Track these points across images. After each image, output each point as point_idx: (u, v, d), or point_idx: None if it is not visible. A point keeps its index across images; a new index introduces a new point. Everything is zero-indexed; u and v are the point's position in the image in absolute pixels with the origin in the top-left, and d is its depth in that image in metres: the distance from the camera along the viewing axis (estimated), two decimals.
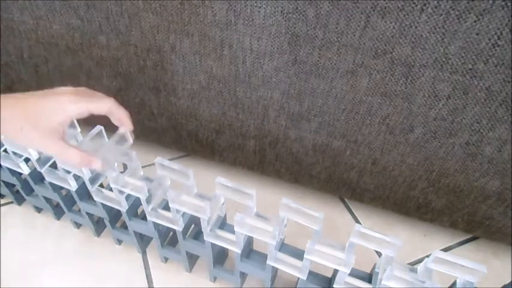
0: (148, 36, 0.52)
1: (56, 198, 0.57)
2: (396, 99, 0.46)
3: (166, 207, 0.48)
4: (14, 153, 0.52)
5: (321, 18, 0.42)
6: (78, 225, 0.63)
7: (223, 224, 0.50)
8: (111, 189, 0.50)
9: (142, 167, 0.51)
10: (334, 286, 0.44)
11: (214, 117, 0.59)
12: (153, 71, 0.57)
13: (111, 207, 0.53)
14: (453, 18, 0.37)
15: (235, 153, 0.64)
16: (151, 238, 0.56)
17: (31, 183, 0.57)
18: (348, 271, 0.41)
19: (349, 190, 0.62)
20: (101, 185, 0.55)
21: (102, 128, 0.48)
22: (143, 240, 0.59)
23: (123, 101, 0.62)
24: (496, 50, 0.38)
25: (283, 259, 0.46)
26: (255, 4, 0.44)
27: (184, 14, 0.48)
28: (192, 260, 0.56)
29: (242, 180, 0.73)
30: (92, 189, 0.50)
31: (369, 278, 0.46)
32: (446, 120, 0.45)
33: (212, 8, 0.46)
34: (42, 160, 0.52)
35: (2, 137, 0.46)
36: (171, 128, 0.65)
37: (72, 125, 0.49)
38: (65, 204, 0.58)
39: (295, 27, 0.44)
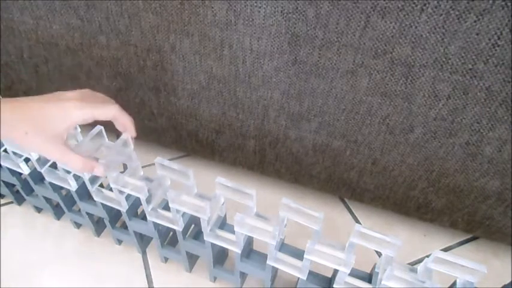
0: (148, 36, 0.52)
1: (56, 198, 0.57)
2: (396, 99, 0.46)
3: (166, 207, 0.48)
4: (14, 153, 0.52)
5: (321, 18, 0.42)
6: (78, 225, 0.63)
7: (223, 224, 0.50)
8: (111, 189, 0.50)
9: (143, 167, 0.51)
10: (334, 286, 0.44)
11: (214, 117, 0.59)
12: (153, 71, 0.57)
13: (111, 207, 0.53)
14: (453, 18, 0.37)
15: (235, 153, 0.64)
16: (151, 238, 0.56)
17: (31, 183, 0.57)
18: (348, 271, 0.41)
19: (349, 190, 0.62)
20: (101, 185, 0.55)
21: (102, 128, 0.48)
22: (143, 240, 0.59)
23: (123, 101, 0.63)
24: (496, 50, 0.38)
25: (283, 259, 0.46)
26: (255, 4, 0.44)
27: (184, 14, 0.48)
28: (192, 260, 0.56)
29: (242, 180, 0.73)
30: (92, 189, 0.50)
31: (369, 278, 0.46)
32: (446, 120, 0.45)
33: (212, 8, 0.46)
34: (42, 160, 0.52)
35: (4, 139, 0.46)
36: (171, 128, 0.65)
37: None
38: (65, 204, 0.58)
39: (295, 27, 0.44)
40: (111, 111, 0.43)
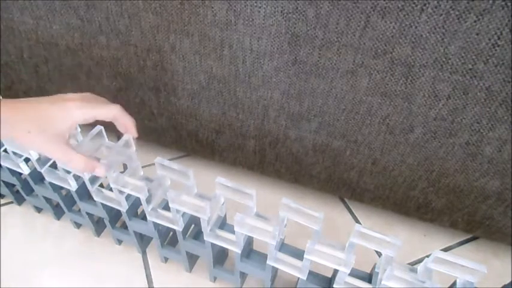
0: (148, 36, 0.52)
1: (56, 198, 0.57)
2: (396, 99, 0.46)
3: (166, 207, 0.48)
4: (14, 153, 0.52)
5: (321, 18, 0.42)
6: (78, 225, 0.63)
7: (223, 224, 0.50)
8: (111, 189, 0.50)
9: (143, 167, 0.51)
10: (334, 286, 0.44)
11: (214, 117, 0.59)
12: (153, 71, 0.57)
13: (111, 207, 0.53)
14: (453, 18, 0.37)
15: (235, 153, 0.64)
16: (151, 238, 0.56)
17: (31, 183, 0.57)
18: (348, 271, 0.41)
19: (349, 190, 0.62)
20: (101, 185, 0.55)
21: (102, 128, 0.48)
22: (143, 240, 0.59)
23: (123, 101, 0.63)
24: (496, 50, 0.38)
25: (283, 259, 0.46)
26: (255, 4, 0.44)
27: (184, 14, 0.48)
28: (192, 260, 0.56)
29: (242, 180, 0.73)
30: (92, 189, 0.50)
31: (369, 278, 0.46)
32: (446, 120, 0.45)
33: (212, 8, 0.46)
34: (42, 160, 0.52)
35: (5, 139, 0.46)
36: (171, 128, 0.65)
37: None
38: (65, 204, 0.58)
39: (295, 27, 0.44)
40: (112, 111, 0.43)
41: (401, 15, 0.39)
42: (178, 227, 0.48)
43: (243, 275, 0.54)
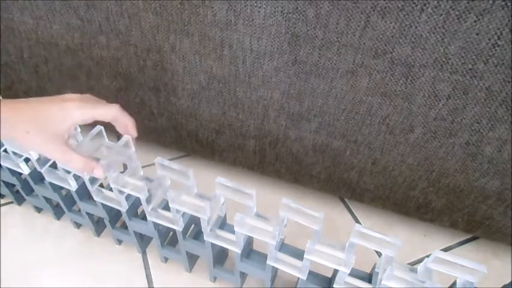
0: (148, 36, 0.52)
1: (56, 198, 0.57)
2: (396, 99, 0.46)
3: (166, 207, 0.48)
4: (14, 153, 0.52)
5: (321, 18, 0.42)
6: (78, 225, 0.63)
7: (223, 224, 0.50)
8: (111, 189, 0.50)
9: (143, 167, 0.51)
10: (334, 286, 0.44)
11: (214, 117, 0.59)
12: (153, 71, 0.57)
13: (111, 207, 0.53)
14: (453, 18, 0.37)
15: (235, 153, 0.64)
16: (151, 238, 0.56)
17: (31, 183, 0.57)
18: (348, 271, 0.41)
19: (349, 190, 0.62)
20: (101, 185, 0.55)
21: (102, 128, 0.48)
22: (143, 240, 0.59)
23: (123, 101, 0.63)
24: (496, 50, 0.38)
25: (283, 259, 0.46)
26: (255, 4, 0.44)
27: (184, 14, 0.48)
28: (192, 260, 0.56)
29: (242, 180, 0.73)
30: (92, 189, 0.50)
31: (369, 278, 0.46)
32: (446, 120, 0.45)
33: (212, 8, 0.46)
34: (42, 160, 0.52)
35: (5, 139, 0.46)
36: (171, 128, 0.65)
37: None
38: (65, 204, 0.58)
39: (295, 27, 0.44)
40: (111, 111, 0.43)
41: (401, 15, 0.39)
42: (178, 227, 0.48)
43: (243, 275, 0.54)
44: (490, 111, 0.43)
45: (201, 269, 0.58)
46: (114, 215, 0.56)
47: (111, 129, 0.48)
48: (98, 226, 0.61)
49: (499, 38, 0.37)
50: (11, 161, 0.54)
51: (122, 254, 0.60)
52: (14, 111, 0.39)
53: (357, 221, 0.67)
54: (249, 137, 0.60)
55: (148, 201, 0.47)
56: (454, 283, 0.41)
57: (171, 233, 0.57)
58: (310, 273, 0.46)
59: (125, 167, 0.49)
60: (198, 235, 0.53)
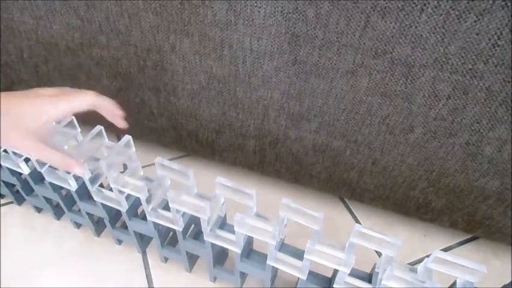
0: (148, 36, 0.52)
1: (56, 198, 0.57)
2: (396, 99, 0.46)
3: (166, 207, 0.48)
4: (14, 153, 0.52)
5: (321, 18, 0.42)
6: (78, 225, 0.63)
7: (223, 224, 0.50)
8: (111, 189, 0.50)
9: (143, 167, 0.51)
10: (334, 286, 0.44)
11: (214, 117, 0.59)
12: (153, 71, 0.57)
13: (111, 207, 0.53)
14: (453, 18, 0.37)
15: (235, 153, 0.64)
16: (151, 238, 0.56)
17: (31, 183, 0.57)
18: (348, 271, 0.41)
19: (349, 190, 0.62)
20: (101, 185, 0.55)
21: (102, 128, 0.48)
22: (143, 240, 0.59)
23: (123, 101, 0.63)
24: (496, 50, 0.38)
25: (283, 259, 0.46)
26: (255, 4, 0.44)
27: (184, 14, 0.48)
28: (192, 260, 0.56)
29: (242, 180, 0.73)
30: (92, 189, 0.50)
31: (369, 278, 0.46)
32: (446, 120, 0.45)
33: (212, 8, 0.46)
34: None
35: None
36: (171, 128, 0.65)
37: (72, 125, 0.49)
38: (65, 204, 0.58)
39: (295, 27, 0.44)
40: (87, 99, 0.41)
41: (401, 15, 0.39)
42: (178, 227, 0.48)
43: (243, 275, 0.54)
44: (490, 111, 0.43)
45: (201, 269, 0.58)
46: (114, 215, 0.56)
47: (111, 129, 0.48)
48: (98, 226, 0.61)
49: (499, 38, 0.37)
50: (11, 161, 0.54)
51: (122, 254, 0.60)
52: None
53: (357, 221, 0.67)
54: (249, 137, 0.60)
55: (148, 201, 0.47)
56: (454, 283, 0.41)
57: (171, 233, 0.57)
58: (310, 273, 0.46)
59: (125, 167, 0.49)
60: (198, 235, 0.53)
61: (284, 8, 0.43)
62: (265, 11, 0.44)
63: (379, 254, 0.61)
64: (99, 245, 0.61)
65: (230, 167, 0.70)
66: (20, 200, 0.65)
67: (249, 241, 0.49)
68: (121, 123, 0.46)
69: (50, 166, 0.52)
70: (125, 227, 0.56)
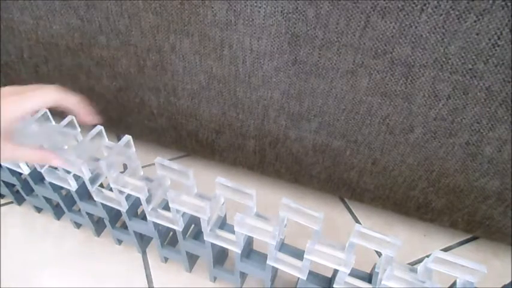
0: (148, 36, 0.52)
1: (56, 198, 0.57)
2: (396, 99, 0.46)
3: (166, 207, 0.48)
4: None
5: (321, 18, 0.42)
6: (78, 225, 0.63)
7: (223, 224, 0.50)
8: (111, 189, 0.50)
9: (143, 167, 0.51)
10: (334, 286, 0.44)
11: (214, 117, 0.59)
12: (153, 71, 0.57)
13: (111, 207, 0.53)
14: (453, 18, 0.37)
15: (235, 153, 0.64)
16: (151, 238, 0.56)
17: (31, 183, 0.57)
18: (348, 271, 0.41)
19: (349, 190, 0.62)
20: (101, 185, 0.55)
21: (102, 128, 0.48)
22: (143, 240, 0.59)
23: (123, 101, 0.63)
24: (496, 50, 0.38)
25: (283, 259, 0.46)
26: (255, 4, 0.44)
27: (184, 14, 0.48)
28: (192, 260, 0.56)
29: (242, 180, 0.73)
30: (92, 189, 0.50)
31: (369, 278, 0.46)
32: (446, 120, 0.45)
33: (212, 8, 0.46)
34: None
35: None
36: (171, 128, 0.65)
37: (72, 125, 0.49)
38: (65, 204, 0.58)
39: (295, 27, 0.44)
40: (48, 95, 0.38)
41: (401, 15, 0.39)
42: (178, 227, 0.48)
43: (243, 275, 0.54)
44: (490, 111, 0.43)
45: (201, 269, 0.58)
46: (114, 215, 0.56)
47: (111, 130, 0.48)
48: (98, 226, 0.61)
49: (499, 38, 0.37)
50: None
51: (122, 254, 0.60)
52: None
53: (357, 221, 0.67)
54: (249, 137, 0.60)
55: (148, 201, 0.47)
56: (454, 283, 0.41)
57: (171, 233, 0.57)
58: (310, 273, 0.46)
59: (125, 167, 0.49)
60: (198, 235, 0.53)
61: (284, 8, 0.43)
62: (265, 11, 0.44)
63: (379, 254, 0.61)
64: (99, 245, 0.61)
65: (230, 167, 0.70)
66: (20, 200, 0.65)
67: (249, 241, 0.49)
68: (90, 119, 0.42)
69: (50, 166, 0.52)
70: (125, 227, 0.56)
